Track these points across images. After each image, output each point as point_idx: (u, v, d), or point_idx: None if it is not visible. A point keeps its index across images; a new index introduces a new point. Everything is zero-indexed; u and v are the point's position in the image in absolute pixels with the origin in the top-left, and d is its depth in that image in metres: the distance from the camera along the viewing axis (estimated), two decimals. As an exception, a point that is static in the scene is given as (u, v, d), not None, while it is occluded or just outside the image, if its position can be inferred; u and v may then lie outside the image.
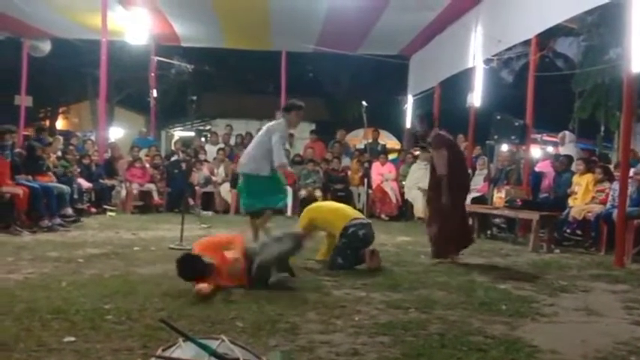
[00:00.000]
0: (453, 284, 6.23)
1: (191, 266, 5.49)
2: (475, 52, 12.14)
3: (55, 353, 3.71)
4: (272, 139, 7.86)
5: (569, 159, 11.40)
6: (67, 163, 12.34)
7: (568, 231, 10.24)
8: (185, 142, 17.12)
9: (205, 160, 14.91)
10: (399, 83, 18.52)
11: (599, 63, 17.46)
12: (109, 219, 12.03)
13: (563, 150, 12.63)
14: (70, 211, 10.81)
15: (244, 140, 16.49)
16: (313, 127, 23.73)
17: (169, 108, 27.83)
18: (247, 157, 8.20)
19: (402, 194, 14.09)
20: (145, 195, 13.78)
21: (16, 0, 12.93)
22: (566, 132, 13.47)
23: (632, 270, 7.62)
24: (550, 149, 14.78)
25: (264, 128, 8.19)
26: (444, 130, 8.06)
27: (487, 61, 12.31)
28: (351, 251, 7.02)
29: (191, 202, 13.19)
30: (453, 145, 8.17)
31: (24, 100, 16.51)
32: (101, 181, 13.22)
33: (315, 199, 13.17)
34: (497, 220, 11.23)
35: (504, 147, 12.58)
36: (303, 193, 13.85)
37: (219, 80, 31.38)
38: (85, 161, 13.12)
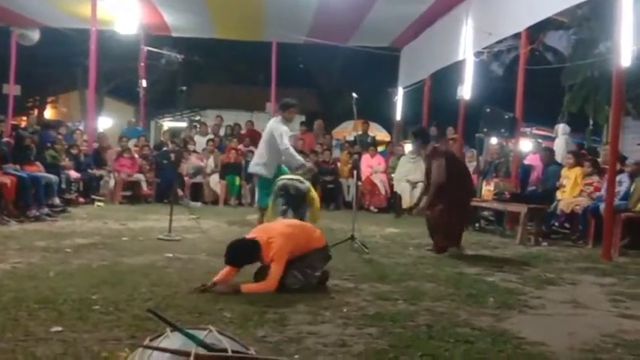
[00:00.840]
0: (441, 276, 6.25)
1: (243, 252, 5.32)
2: (465, 45, 12.14)
3: (42, 343, 3.69)
4: (281, 145, 8.95)
5: (551, 152, 11.53)
6: (55, 153, 12.27)
7: (556, 224, 10.29)
8: (174, 133, 17.04)
9: (194, 151, 14.87)
10: (389, 75, 18.50)
11: (588, 57, 17.46)
12: (97, 209, 11.99)
13: (556, 141, 12.86)
14: (57, 200, 10.77)
15: (234, 131, 16.46)
16: (303, 118, 23.71)
17: (159, 98, 27.70)
18: (258, 159, 9.48)
19: (391, 186, 14.11)
20: (133, 185, 13.74)
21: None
22: (561, 124, 13.75)
23: (619, 263, 7.68)
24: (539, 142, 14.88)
25: (269, 129, 9.30)
26: (439, 143, 8.54)
27: (477, 54, 12.31)
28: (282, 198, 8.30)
29: (180, 192, 13.16)
30: (450, 155, 8.49)
31: (12, 89, 16.41)
32: (89, 171, 13.16)
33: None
34: (485, 213, 11.25)
35: (494, 140, 12.62)
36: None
37: (209, 71, 31.28)
38: (74, 151, 13.06)
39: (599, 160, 10.64)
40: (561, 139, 13.00)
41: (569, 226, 10.11)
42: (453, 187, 7.80)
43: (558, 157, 11.75)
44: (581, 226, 9.62)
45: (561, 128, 13.57)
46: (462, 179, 8.19)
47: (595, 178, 9.92)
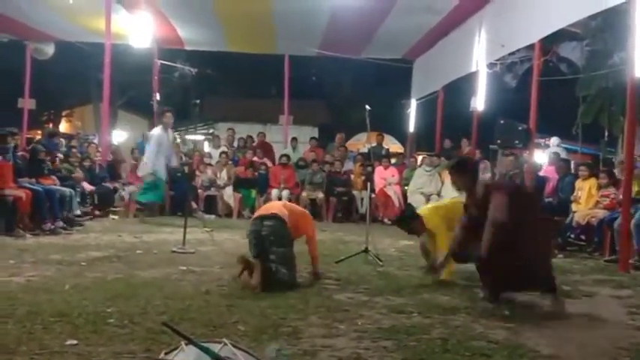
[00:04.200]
0: (456, 289, 6.22)
1: None
2: (479, 57, 12.13)
3: (57, 356, 3.70)
4: None
5: (568, 162, 11.51)
6: (70, 166, 12.33)
7: (572, 236, 10.21)
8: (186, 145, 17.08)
9: (209, 164, 14.89)
10: (402, 87, 18.50)
11: (602, 67, 17.41)
12: (112, 222, 12.02)
13: (548, 152, 13.16)
14: (72, 214, 10.81)
15: (246, 143, 16.49)
16: (316, 130, 23.75)
17: (172, 111, 27.83)
18: None
19: (405, 198, 14.07)
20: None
21: (20, 3, 12.98)
22: (554, 138, 14.48)
23: (636, 275, 7.60)
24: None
25: None
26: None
27: (491, 66, 12.29)
28: None
29: (194, 205, 13.16)
30: (513, 189, 6.73)
31: (27, 103, 16.53)
32: (104, 184, 13.20)
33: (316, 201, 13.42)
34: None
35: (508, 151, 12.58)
36: (304, 195, 13.85)
37: (222, 84, 31.41)
38: (86, 163, 13.07)
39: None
40: (552, 149, 13.45)
41: (585, 238, 10.04)
42: (524, 227, 5.67)
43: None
44: (597, 238, 9.54)
45: (555, 141, 15.04)
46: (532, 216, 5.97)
47: (611, 190, 9.84)
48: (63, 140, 14.38)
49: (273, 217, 6.21)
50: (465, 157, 7.60)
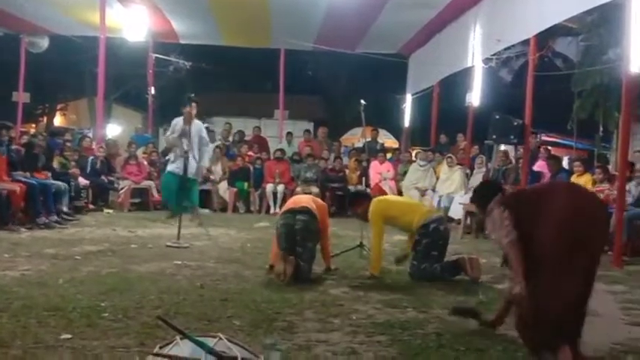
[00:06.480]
0: (450, 284, 6.23)
1: None
2: (474, 52, 12.12)
3: (52, 350, 3.70)
4: None
5: (558, 160, 11.53)
6: (65, 161, 12.29)
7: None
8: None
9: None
10: (397, 82, 18.50)
11: (598, 63, 17.38)
12: (106, 216, 11.98)
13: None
14: (66, 208, 10.78)
15: (241, 138, 16.45)
16: (312, 125, 23.72)
17: (167, 105, 27.75)
18: None
19: (400, 193, 14.05)
20: (142, 192, 13.72)
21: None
22: None
23: (630, 271, 7.61)
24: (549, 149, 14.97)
25: None
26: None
27: (486, 61, 12.28)
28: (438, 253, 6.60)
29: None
30: (525, 196, 4.47)
31: (21, 97, 16.48)
32: (101, 178, 13.15)
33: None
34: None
35: (503, 146, 12.58)
36: (298, 189, 13.80)
37: (217, 78, 31.32)
38: (75, 157, 13.00)
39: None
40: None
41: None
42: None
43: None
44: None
45: None
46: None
47: (606, 185, 9.85)
48: (69, 141, 14.23)
49: (306, 211, 6.32)
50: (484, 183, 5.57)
